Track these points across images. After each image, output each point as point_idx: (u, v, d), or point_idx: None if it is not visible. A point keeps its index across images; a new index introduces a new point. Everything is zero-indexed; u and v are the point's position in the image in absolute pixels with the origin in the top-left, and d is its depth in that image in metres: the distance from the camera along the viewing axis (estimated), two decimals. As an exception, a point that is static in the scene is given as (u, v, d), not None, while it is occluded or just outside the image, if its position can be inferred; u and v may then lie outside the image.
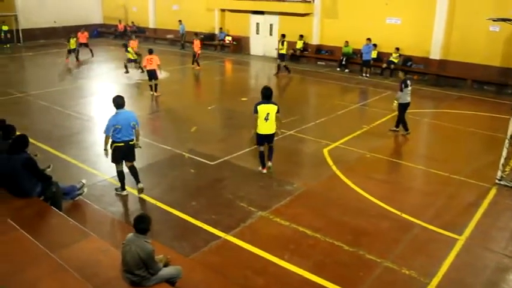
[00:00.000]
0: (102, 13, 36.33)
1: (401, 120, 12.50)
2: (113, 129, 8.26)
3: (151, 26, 32.81)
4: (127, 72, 20.72)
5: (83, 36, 25.63)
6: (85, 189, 8.16)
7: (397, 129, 12.69)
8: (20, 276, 4.96)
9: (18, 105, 15.54)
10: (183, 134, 12.58)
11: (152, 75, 16.51)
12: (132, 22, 33.82)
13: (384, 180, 9.98)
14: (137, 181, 8.82)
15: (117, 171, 8.73)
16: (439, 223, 7.94)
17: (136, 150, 8.75)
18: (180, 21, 28.84)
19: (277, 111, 9.57)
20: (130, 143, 8.50)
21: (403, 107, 12.36)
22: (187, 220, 7.91)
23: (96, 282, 5.08)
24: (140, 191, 8.78)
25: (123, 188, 8.86)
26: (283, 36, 21.16)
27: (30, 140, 7.69)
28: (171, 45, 30.46)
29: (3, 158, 7.02)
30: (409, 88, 12.24)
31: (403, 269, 6.63)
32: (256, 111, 9.48)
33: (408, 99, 12.33)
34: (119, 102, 8.41)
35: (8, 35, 29.54)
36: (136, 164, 8.93)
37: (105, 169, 10.06)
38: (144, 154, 11.15)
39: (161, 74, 17.23)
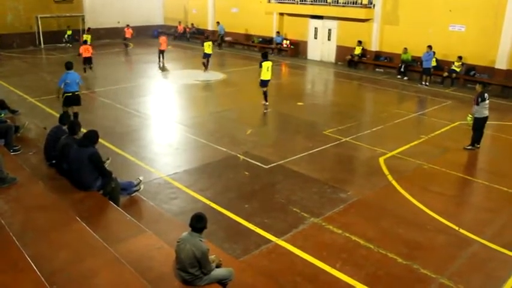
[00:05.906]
0: (163, 14, 37.27)
1: (476, 134, 11.90)
2: (64, 84, 11.95)
3: (210, 28, 33.28)
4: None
5: None
6: (142, 186, 8.34)
7: (478, 145, 12.03)
8: (80, 266, 5.15)
9: (82, 101, 16.05)
10: (239, 136, 12.67)
11: (88, 61, 20.04)
12: (192, 24, 34.49)
13: (441, 193, 9.59)
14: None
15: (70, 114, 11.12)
16: (500, 241, 7.55)
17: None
18: (218, 22, 31.20)
19: (272, 65, 15.49)
20: (76, 93, 12.28)
21: (480, 121, 11.75)
22: (240, 222, 7.94)
23: (150, 277, 5.18)
24: None
25: None
26: (206, 37, 23.70)
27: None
28: (229, 47, 31.00)
29: (74, 149, 7.42)
30: (487, 102, 11.61)
31: (459, 287, 6.36)
32: (261, 66, 15.33)
33: (486, 113, 11.69)
34: (68, 65, 12.13)
35: (70, 37, 30.18)
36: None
37: (162, 167, 10.32)
38: (199, 154, 11.38)
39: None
